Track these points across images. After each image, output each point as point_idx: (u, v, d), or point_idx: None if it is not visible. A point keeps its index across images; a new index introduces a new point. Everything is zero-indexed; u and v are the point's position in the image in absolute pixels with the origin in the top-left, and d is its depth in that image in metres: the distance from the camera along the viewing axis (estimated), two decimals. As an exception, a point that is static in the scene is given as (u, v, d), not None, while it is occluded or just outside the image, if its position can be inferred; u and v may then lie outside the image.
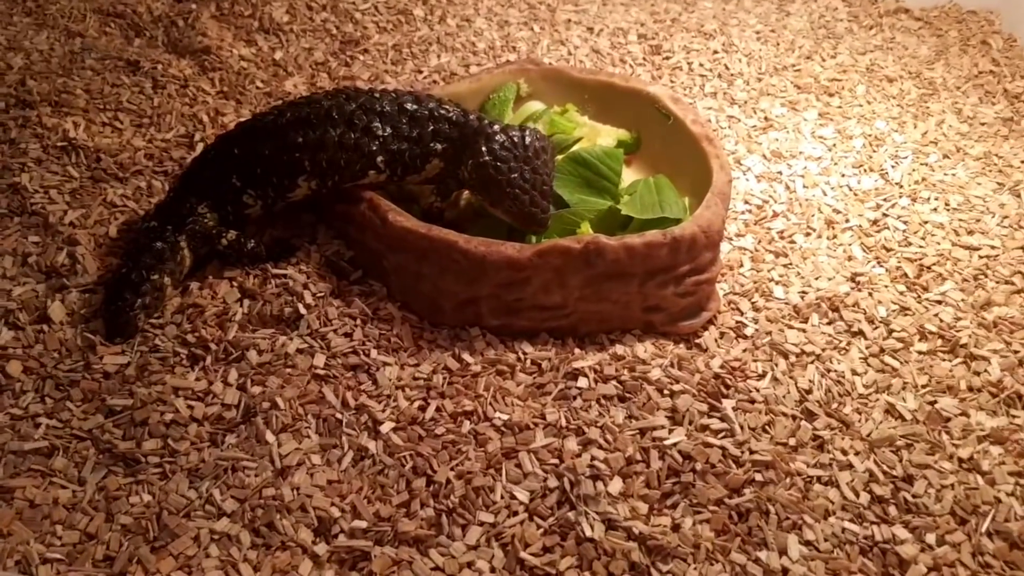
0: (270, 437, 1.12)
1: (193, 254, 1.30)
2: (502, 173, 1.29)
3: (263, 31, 1.98)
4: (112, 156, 1.54)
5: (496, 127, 1.33)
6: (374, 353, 1.24)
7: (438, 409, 1.18)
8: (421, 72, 1.89)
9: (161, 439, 1.12)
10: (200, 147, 1.58)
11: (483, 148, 1.30)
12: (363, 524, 1.04)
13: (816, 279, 1.45)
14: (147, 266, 1.23)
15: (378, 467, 1.11)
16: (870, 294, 1.42)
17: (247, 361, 1.20)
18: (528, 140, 1.32)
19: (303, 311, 1.26)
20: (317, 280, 1.32)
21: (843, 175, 1.69)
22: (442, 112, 1.33)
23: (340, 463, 1.11)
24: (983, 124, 1.88)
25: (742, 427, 1.19)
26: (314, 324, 1.25)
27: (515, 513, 1.07)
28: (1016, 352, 1.34)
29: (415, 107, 1.33)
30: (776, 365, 1.29)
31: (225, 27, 1.99)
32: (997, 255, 1.52)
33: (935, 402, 1.26)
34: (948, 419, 1.24)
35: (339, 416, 1.16)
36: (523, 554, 1.03)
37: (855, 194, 1.64)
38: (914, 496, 1.14)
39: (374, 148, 1.32)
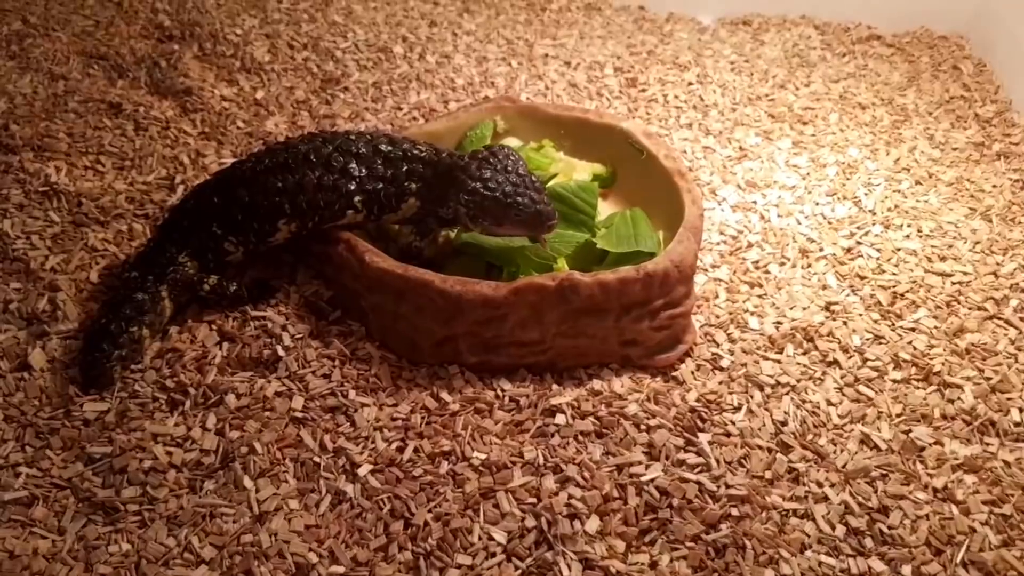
0: (248, 482, 1.12)
1: (174, 303, 1.31)
2: (494, 189, 1.30)
3: (245, 71, 2.01)
4: (93, 200, 1.56)
5: (467, 158, 1.36)
6: (352, 394, 1.25)
7: (416, 450, 1.19)
8: (401, 109, 1.92)
9: (140, 486, 1.12)
10: (181, 189, 1.60)
11: (466, 178, 1.32)
12: (341, 569, 1.05)
13: (791, 309, 1.46)
14: (126, 318, 1.24)
15: (356, 511, 1.12)
16: (844, 323, 1.44)
17: (226, 405, 1.21)
18: (500, 155, 1.34)
19: (282, 353, 1.27)
20: (296, 321, 1.33)
21: (817, 204, 1.71)
22: (415, 152, 1.36)
23: (318, 507, 1.12)
24: (955, 149, 1.91)
25: (718, 461, 1.20)
26: (292, 366, 1.26)
27: (493, 555, 1.08)
28: (989, 379, 1.35)
29: (389, 148, 1.35)
30: (752, 397, 1.31)
31: (207, 67, 2.02)
32: (969, 281, 1.54)
33: (909, 431, 1.27)
34: (922, 448, 1.25)
35: (317, 459, 1.16)
36: (501, 595, 1.04)
37: (829, 222, 1.67)
38: (889, 527, 1.15)
39: (352, 188, 1.34)
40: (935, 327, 1.44)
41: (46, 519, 1.09)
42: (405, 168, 1.36)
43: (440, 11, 2.38)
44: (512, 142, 1.66)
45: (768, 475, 1.20)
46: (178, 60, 2.00)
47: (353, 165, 1.34)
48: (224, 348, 1.29)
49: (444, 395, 1.27)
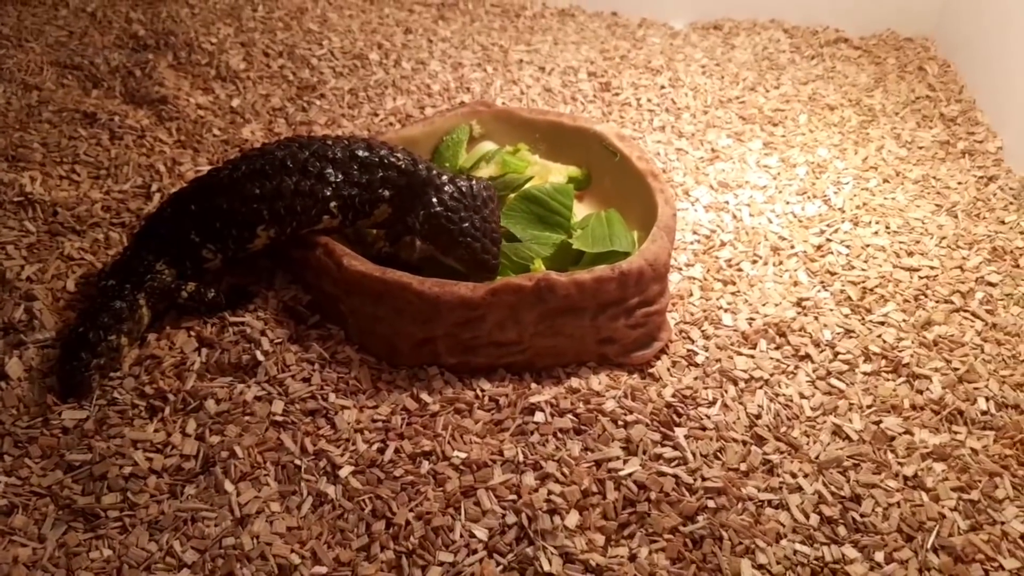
0: (229, 486, 1.13)
1: (152, 311, 1.31)
2: (454, 223, 1.33)
3: (220, 79, 2.01)
4: (69, 209, 1.56)
5: (444, 177, 1.37)
6: (332, 397, 1.26)
7: (397, 450, 1.20)
8: (377, 115, 1.93)
9: (120, 493, 1.12)
10: (157, 198, 1.60)
11: (434, 199, 1.34)
12: (323, 570, 1.06)
13: (763, 305, 1.49)
14: (104, 326, 1.24)
15: (337, 512, 1.13)
16: (816, 318, 1.47)
17: (205, 411, 1.21)
18: (476, 189, 1.36)
19: (261, 358, 1.28)
20: (275, 326, 1.34)
21: (788, 203, 1.75)
22: (392, 160, 1.37)
23: (299, 509, 1.12)
24: (921, 148, 1.96)
25: (694, 455, 1.22)
26: (272, 370, 1.27)
27: (474, 551, 1.09)
28: (956, 370, 1.39)
29: (366, 154, 1.37)
30: (726, 392, 1.33)
31: (182, 76, 2.02)
32: (936, 275, 1.58)
33: (880, 422, 1.30)
34: (893, 438, 1.28)
35: (298, 462, 1.17)
36: (482, 591, 1.05)
37: (799, 221, 1.70)
38: (862, 515, 1.17)
39: (328, 194, 1.35)
40: (904, 320, 1.48)
41: (26, 527, 1.09)
42: (380, 175, 1.37)
43: (415, 18, 2.40)
44: (488, 146, 1.68)
45: (743, 467, 1.22)
46: (153, 69, 2.00)
47: (329, 170, 1.35)
48: (203, 354, 1.30)
49: (424, 396, 1.28)
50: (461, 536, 1.11)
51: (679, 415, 1.28)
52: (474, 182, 1.38)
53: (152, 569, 1.05)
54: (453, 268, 1.39)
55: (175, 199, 1.36)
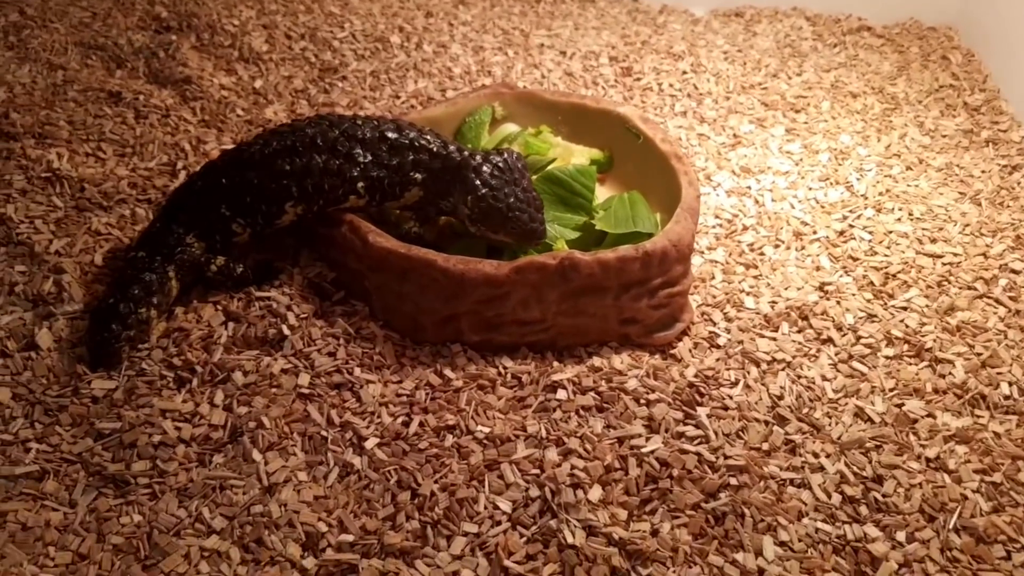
0: (257, 455, 1.14)
1: (180, 283, 1.33)
2: (500, 200, 1.34)
3: (243, 60, 2.02)
4: (96, 185, 1.57)
5: (478, 157, 1.38)
6: (357, 371, 1.27)
7: (421, 424, 1.21)
8: (399, 97, 1.94)
9: (150, 460, 1.14)
10: (183, 175, 1.62)
11: (477, 181, 1.34)
12: (350, 538, 1.07)
13: (785, 289, 1.49)
14: (135, 298, 1.25)
15: (363, 482, 1.14)
16: (838, 302, 1.47)
17: (233, 382, 1.22)
18: (511, 162, 1.37)
19: (287, 332, 1.29)
20: (300, 301, 1.35)
21: (810, 188, 1.74)
22: (423, 143, 1.37)
23: (326, 479, 1.14)
24: (944, 136, 1.95)
25: (716, 433, 1.23)
26: (298, 344, 1.28)
27: (498, 523, 1.10)
28: (979, 355, 1.39)
29: (395, 136, 1.37)
30: (748, 373, 1.33)
31: (205, 57, 2.03)
32: (959, 262, 1.57)
33: (902, 405, 1.30)
34: (915, 420, 1.29)
35: (324, 433, 1.18)
36: (507, 562, 1.06)
37: (822, 206, 1.70)
38: (884, 495, 1.17)
39: (355, 174, 1.36)
40: (926, 306, 1.47)
41: (57, 492, 1.11)
42: (411, 158, 1.37)
43: (436, 2, 2.40)
44: (510, 128, 1.69)
45: (765, 446, 1.22)
46: (176, 50, 2.02)
47: (358, 151, 1.36)
48: (230, 328, 1.31)
49: (448, 372, 1.29)
50: (485, 508, 1.12)
51: (701, 395, 1.28)
52: (506, 155, 1.38)
53: (182, 535, 1.07)
54: (479, 242, 1.40)
55: (206, 172, 1.37)
